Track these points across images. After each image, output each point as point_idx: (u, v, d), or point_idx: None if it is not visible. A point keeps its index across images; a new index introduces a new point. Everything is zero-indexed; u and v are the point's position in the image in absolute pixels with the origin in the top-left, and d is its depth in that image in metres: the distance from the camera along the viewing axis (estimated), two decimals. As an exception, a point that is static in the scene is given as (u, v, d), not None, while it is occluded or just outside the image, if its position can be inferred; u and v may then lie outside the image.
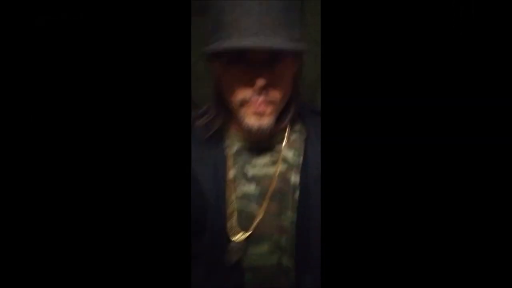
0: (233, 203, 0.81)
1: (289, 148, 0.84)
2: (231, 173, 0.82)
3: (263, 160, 0.83)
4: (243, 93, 0.75)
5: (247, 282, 0.81)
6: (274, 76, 0.74)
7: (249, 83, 0.73)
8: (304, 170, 0.82)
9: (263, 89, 0.74)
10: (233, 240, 0.80)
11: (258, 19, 0.69)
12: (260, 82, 0.72)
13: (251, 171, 0.83)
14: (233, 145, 0.84)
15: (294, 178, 0.83)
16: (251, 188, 0.82)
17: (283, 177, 0.83)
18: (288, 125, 0.85)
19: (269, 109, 0.76)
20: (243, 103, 0.76)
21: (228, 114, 0.83)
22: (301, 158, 0.83)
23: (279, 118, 0.81)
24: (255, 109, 0.75)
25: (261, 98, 0.74)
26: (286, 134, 0.85)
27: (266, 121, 0.76)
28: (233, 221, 0.81)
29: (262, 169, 0.83)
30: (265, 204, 0.82)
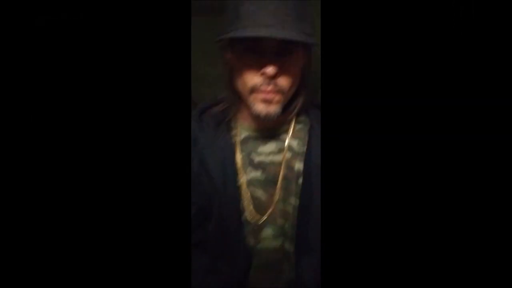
0: (244, 188, 0.86)
1: (294, 138, 0.89)
2: (239, 160, 0.87)
3: (269, 148, 0.88)
4: (253, 81, 0.80)
5: (253, 264, 0.86)
6: (284, 66, 0.79)
7: (260, 72, 0.78)
8: (307, 158, 0.86)
9: (273, 78, 0.78)
10: (254, 223, 0.85)
11: (273, 13, 0.74)
12: (271, 70, 0.77)
13: (257, 158, 0.88)
14: (241, 133, 0.89)
15: (298, 165, 0.87)
16: (257, 174, 0.87)
17: (288, 164, 0.87)
18: (294, 116, 0.89)
19: (277, 97, 0.81)
20: (253, 90, 0.80)
21: (238, 102, 0.89)
22: (305, 147, 0.88)
23: (286, 108, 0.86)
24: (264, 96, 0.80)
25: (270, 87, 0.79)
26: (291, 124, 0.89)
27: (273, 109, 0.81)
28: (250, 205, 0.86)
29: (268, 156, 0.88)
30: (271, 190, 0.86)
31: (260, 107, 0.81)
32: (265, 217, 0.85)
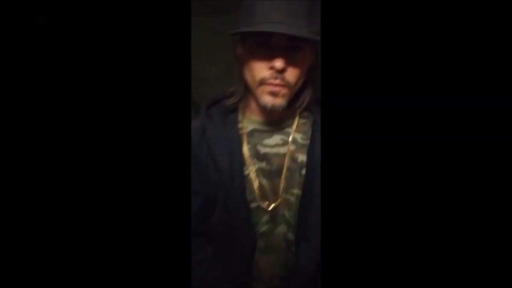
0: (253, 177, 0.91)
1: (298, 131, 0.94)
2: (246, 151, 0.92)
3: (274, 140, 0.93)
4: (262, 74, 0.85)
5: (258, 248, 0.91)
6: (292, 62, 0.84)
7: (269, 65, 0.83)
8: (310, 151, 0.91)
9: (281, 72, 0.83)
10: (260, 211, 0.90)
11: (284, 11, 0.80)
12: (279, 65, 0.82)
13: (262, 150, 0.93)
14: (247, 126, 0.94)
15: (302, 157, 0.92)
16: (263, 165, 0.92)
17: (292, 156, 0.92)
18: (298, 111, 0.94)
19: (283, 91, 0.86)
20: (262, 82, 0.85)
21: (246, 95, 0.94)
22: (308, 141, 0.93)
23: (292, 103, 0.92)
24: (272, 89, 0.85)
25: (277, 80, 0.84)
26: (296, 119, 0.94)
27: (279, 101, 0.86)
28: (257, 194, 0.91)
29: (273, 148, 0.93)
30: (275, 180, 0.91)
31: (267, 99, 0.86)
32: (272, 206, 0.90)
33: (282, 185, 0.91)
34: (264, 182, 0.92)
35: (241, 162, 0.91)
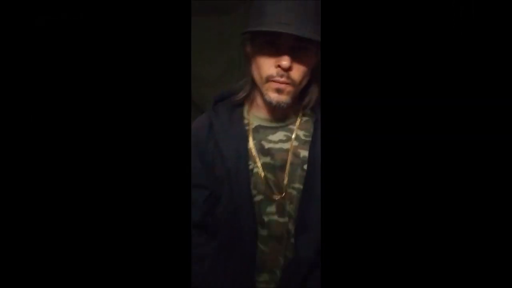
0: (260, 171, 0.95)
1: (300, 129, 0.99)
2: (251, 146, 0.97)
3: (278, 136, 0.98)
4: (269, 71, 0.89)
5: (261, 236, 0.96)
6: (297, 61, 0.88)
7: (276, 64, 0.88)
8: (312, 147, 0.96)
9: (287, 71, 0.88)
10: (278, 200, 0.95)
11: (292, 12, 0.85)
12: (285, 63, 0.86)
13: (267, 145, 0.97)
14: (253, 122, 0.99)
15: (304, 153, 0.97)
16: (267, 159, 0.96)
17: (295, 152, 0.97)
18: (301, 109, 0.99)
19: (288, 88, 0.90)
20: (268, 79, 0.90)
21: (253, 91, 0.99)
22: (311, 138, 0.97)
23: (297, 102, 0.97)
24: (277, 86, 0.90)
25: (283, 78, 0.88)
26: (299, 117, 0.99)
27: (284, 98, 0.91)
28: (263, 187, 0.95)
29: (277, 144, 0.97)
30: (279, 174, 0.96)
31: (273, 96, 0.91)
32: (277, 198, 0.95)
33: (286, 179, 0.95)
34: (268, 176, 0.96)
35: (247, 157, 0.95)
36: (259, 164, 0.96)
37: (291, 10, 0.85)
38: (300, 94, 0.97)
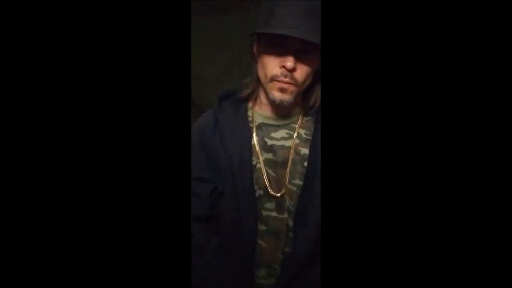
0: (262, 167, 0.99)
1: (301, 127, 1.03)
2: (255, 142, 1.01)
3: (280, 134, 1.02)
4: (274, 71, 0.94)
5: (260, 231, 0.99)
6: (301, 62, 0.93)
7: (281, 64, 0.92)
8: (312, 145, 1.00)
9: (291, 71, 0.92)
10: (278, 196, 0.99)
11: (299, 16, 0.89)
12: (290, 64, 0.90)
13: (269, 142, 1.02)
14: (257, 119, 1.04)
15: (304, 150, 1.01)
16: (269, 156, 1.01)
17: (296, 149, 1.01)
18: (307, 109, 1.04)
19: (291, 88, 0.94)
20: (273, 79, 0.94)
21: (257, 89, 1.04)
22: (311, 136, 1.02)
23: (305, 102, 1.02)
24: (281, 85, 0.94)
25: (287, 78, 0.93)
26: (300, 116, 1.04)
27: (287, 97, 0.95)
28: (265, 182, 0.99)
29: (279, 141, 1.02)
30: (280, 170, 1.00)
31: (276, 94, 0.95)
32: (279, 194, 0.99)
33: (287, 176, 0.99)
34: (269, 172, 1.00)
35: (251, 152, 0.99)
36: (261, 160, 1.00)
37: (298, 14, 0.89)
38: (303, 95, 1.01)
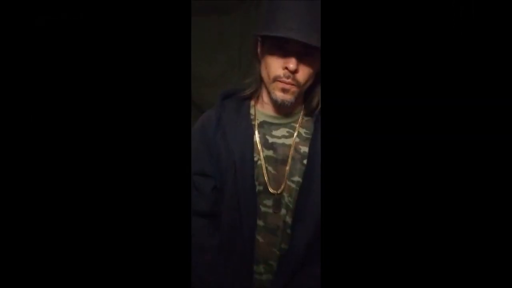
0: (263, 163, 1.02)
1: (302, 127, 1.06)
2: (257, 139, 1.04)
3: (281, 132, 1.05)
4: (277, 72, 0.97)
5: (258, 226, 1.02)
6: (303, 64, 0.96)
7: (283, 65, 0.95)
8: (312, 144, 1.03)
9: (293, 73, 0.95)
10: (277, 193, 1.01)
11: (301, 19, 0.91)
12: (292, 66, 0.94)
13: (270, 140, 1.04)
14: (258, 118, 1.07)
15: (304, 149, 1.04)
16: (270, 153, 1.04)
17: (296, 147, 1.04)
18: (310, 110, 1.07)
19: (293, 88, 0.97)
20: (275, 79, 0.98)
21: (260, 89, 1.07)
22: (311, 135, 1.05)
23: (307, 103, 1.06)
24: (283, 86, 0.97)
25: (289, 79, 0.96)
26: (300, 115, 1.07)
27: (288, 97, 0.98)
28: (265, 178, 1.02)
29: (280, 139, 1.05)
30: (280, 167, 1.03)
31: (278, 94, 0.98)
32: (280, 190, 1.02)
33: (287, 173, 1.02)
34: (269, 169, 1.03)
35: (252, 149, 1.02)
36: (262, 157, 1.03)
37: (300, 17, 0.91)
38: (305, 95, 1.05)
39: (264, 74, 1.02)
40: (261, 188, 1.02)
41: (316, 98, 1.05)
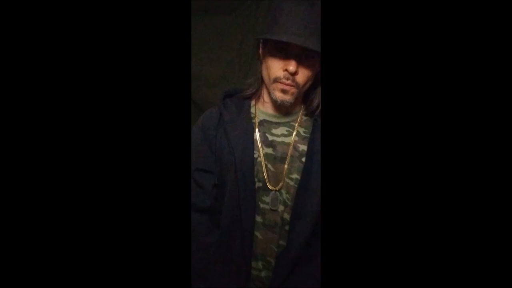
0: (262, 161, 1.07)
1: (300, 126, 1.11)
2: (257, 137, 1.08)
3: (281, 131, 1.10)
4: (277, 73, 1.02)
5: (257, 222, 1.06)
6: (303, 66, 1.01)
7: (284, 67, 1.00)
8: (310, 142, 1.08)
9: (292, 75, 1.00)
10: (276, 190, 1.06)
11: (302, 24, 0.96)
12: (292, 68, 0.99)
13: (270, 138, 1.09)
14: (259, 116, 1.11)
15: (302, 147, 1.08)
16: (269, 150, 1.08)
17: (295, 145, 1.08)
18: (302, 109, 1.13)
19: (292, 90, 1.03)
20: (275, 80, 1.03)
21: (261, 88, 1.12)
22: (309, 134, 1.10)
23: (298, 102, 1.10)
24: (283, 87, 1.02)
25: (289, 81, 1.01)
26: (299, 115, 1.12)
27: (288, 98, 1.03)
28: (264, 175, 1.06)
29: (279, 137, 1.09)
30: (279, 165, 1.07)
31: (278, 95, 1.03)
32: (278, 187, 1.06)
33: (285, 170, 1.06)
34: (268, 166, 1.07)
35: (252, 146, 1.06)
36: (261, 154, 1.07)
37: (301, 22, 0.96)
38: (306, 97, 1.11)
39: (264, 74, 1.07)
40: (260, 184, 1.06)
41: (316, 100, 1.09)
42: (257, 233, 1.06)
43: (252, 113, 1.12)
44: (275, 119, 1.11)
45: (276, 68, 1.02)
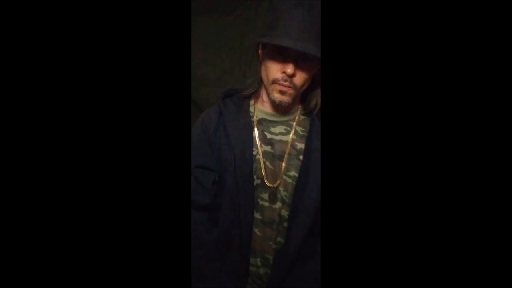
0: (261, 158, 1.09)
1: (298, 125, 1.14)
2: (256, 135, 1.11)
3: (279, 129, 1.13)
4: (276, 75, 1.05)
5: (255, 219, 1.09)
6: (300, 69, 1.04)
7: (282, 69, 1.04)
8: (308, 141, 1.11)
9: (290, 77, 1.03)
10: (274, 187, 1.09)
11: (301, 29, 0.98)
12: (290, 71, 1.02)
13: (269, 136, 1.12)
14: (258, 115, 1.14)
15: (300, 145, 1.11)
16: (267, 148, 1.11)
17: (292, 143, 1.11)
18: (300, 108, 1.16)
19: (290, 91, 1.06)
20: (274, 81, 1.06)
21: (260, 88, 1.15)
22: (307, 133, 1.13)
23: (306, 105, 1.14)
24: (281, 88, 1.05)
25: (287, 82, 1.04)
26: (297, 114, 1.15)
27: (286, 99, 1.07)
28: (263, 172, 1.09)
29: (277, 136, 1.12)
30: (277, 162, 1.10)
31: (276, 96, 1.07)
32: (276, 184, 1.08)
33: (283, 168, 1.09)
34: (267, 163, 1.10)
35: (251, 144, 1.09)
36: (260, 152, 1.09)
37: (299, 27, 0.98)
38: (304, 97, 1.13)
39: (264, 75, 1.10)
40: (258, 181, 1.08)
41: (315, 100, 1.12)
42: (255, 230, 1.08)
43: (251, 112, 1.15)
44: (273, 118, 1.14)
45: (274, 70, 1.05)
